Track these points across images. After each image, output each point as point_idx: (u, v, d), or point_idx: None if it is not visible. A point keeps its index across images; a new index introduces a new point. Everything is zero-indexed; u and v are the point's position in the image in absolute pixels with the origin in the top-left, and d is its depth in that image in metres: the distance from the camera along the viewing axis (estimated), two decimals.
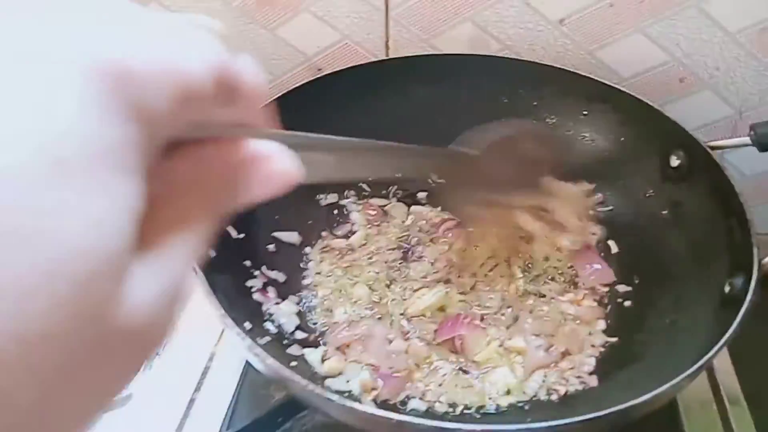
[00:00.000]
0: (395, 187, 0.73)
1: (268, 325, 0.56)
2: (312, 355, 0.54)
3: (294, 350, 0.54)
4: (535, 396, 0.54)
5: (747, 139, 0.59)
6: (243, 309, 0.53)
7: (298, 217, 0.66)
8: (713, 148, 0.60)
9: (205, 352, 0.63)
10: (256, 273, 0.59)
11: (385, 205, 0.71)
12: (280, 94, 0.66)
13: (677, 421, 0.58)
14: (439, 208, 0.71)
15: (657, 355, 0.54)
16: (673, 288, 0.58)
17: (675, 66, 0.74)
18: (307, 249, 0.66)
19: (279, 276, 0.61)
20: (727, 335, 0.45)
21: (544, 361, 0.57)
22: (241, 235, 0.60)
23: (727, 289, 0.52)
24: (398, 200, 0.72)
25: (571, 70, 0.71)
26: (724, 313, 0.50)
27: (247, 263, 0.59)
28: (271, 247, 0.63)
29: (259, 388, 0.59)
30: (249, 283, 0.58)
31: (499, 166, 0.53)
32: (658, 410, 0.46)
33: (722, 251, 0.55)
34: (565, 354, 0.57)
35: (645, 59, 0.75)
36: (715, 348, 0.44)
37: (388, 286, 0.63)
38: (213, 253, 0.53)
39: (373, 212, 0.70)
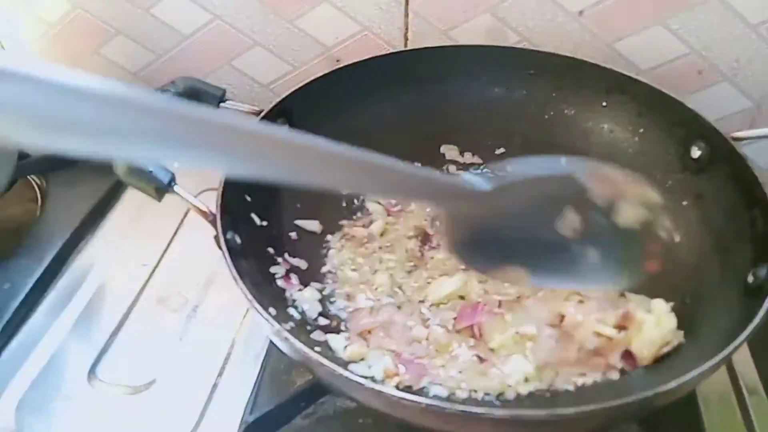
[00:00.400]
0: None
1: (292, 311, 0.56)
2: (335, 341, 0.55)
3: (317, 336, 0.55)
4: (553, 385, 0.54)
5: None
6: (268, 295, 0.54)
7: (319, 206, 0.66)
8: (735, 139, 0.60)
9: (227, 339, 0.63)
10: (279, 260, 0.60)
11: None
12: (298, 86, 0.66)
13: (696, 411, 0.58)
14: None
15: (678, 346, 0.54)
16: (694, 278, 0.58)
17: (694, 58, 0.74)
18: (329, 237, 0.66)
19: (301, 263, 0.62)
20: (752, 326, 0.45)
21: (555, 351, 0.57)
22: (264, 223, 0.60)
23: (750, 279, 0.52)
24: None
25: (590, 61, 0.71)
26: (747, 304, 0.50)
27: (271, 250, 0.60)
28: (293, 234, 0.64)
29: (280, 374, 0.60)
30: (273, 270, 0.59)
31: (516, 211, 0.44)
32: (677, 400, 0.46)
33: (745, 241, 0.55)
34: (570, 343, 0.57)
35: (663, 51, 0.75)
36: (740, 339, 0.44)
37: (408, 273, 0.63)
38: (239, 240, 0.54)
39: (392, 201, 0.70)
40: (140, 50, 0.85)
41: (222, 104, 0.62)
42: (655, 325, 0.56)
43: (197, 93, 0.60)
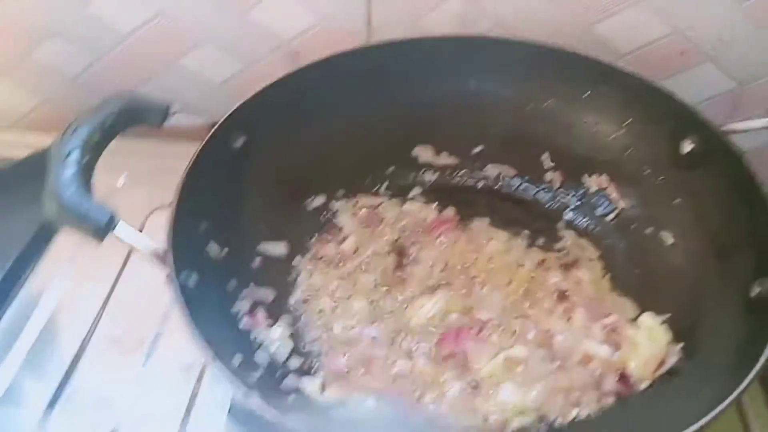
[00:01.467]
0: (387, 182, 0.68)
1: (259, 356, 0.51)
2: (310, 384, 0.50)
3: (290, 381, 0.50)
4: (546, 417, 0.51)
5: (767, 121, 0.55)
6: (230, 341, 0.48)
7: (285, 225, 0.61)
8: (729, 132, 0.56)
9: (190, 381, 0.56)
10: (243, 293, 0.54)
11: (377, 205, 0.66)
12: (254, 93, 0.60)
13: None
14: (434, 205, 0.66)
15: (675, 371, 0.50)
16: (691, 286, 0.55)
17: (676, 38, 0.70)
18: (297, 259, 0.61)
19: (268, 293, 0.56)
20: (763, 359, 0.41)
21: (548, 375, 0.53)
22: (225, 250, 0.54)
23: (755, 291, 0.48)
24: (390, 197, 0.67)
25: (570, 50, 0.65)
26: (753, 319, 0.46)
27: (234, 282, 0.54)
28: (258, 260, 0.58)
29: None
30: (235, 308, 0.53)
31: None
32: None
33: (747, 247, 0.51)
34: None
35: (645, 32, 0.70)
36: (751, 375, 0.41)
37: (387, 294, 0.59)
38: (195, 279, 0.48)
39: (365, 214, 0.65)
40: (77, 52, 0.77)
41: (168, 118, 0.55)
42: (647, 340, 0.53)
43: (137, 111, 0.52)
